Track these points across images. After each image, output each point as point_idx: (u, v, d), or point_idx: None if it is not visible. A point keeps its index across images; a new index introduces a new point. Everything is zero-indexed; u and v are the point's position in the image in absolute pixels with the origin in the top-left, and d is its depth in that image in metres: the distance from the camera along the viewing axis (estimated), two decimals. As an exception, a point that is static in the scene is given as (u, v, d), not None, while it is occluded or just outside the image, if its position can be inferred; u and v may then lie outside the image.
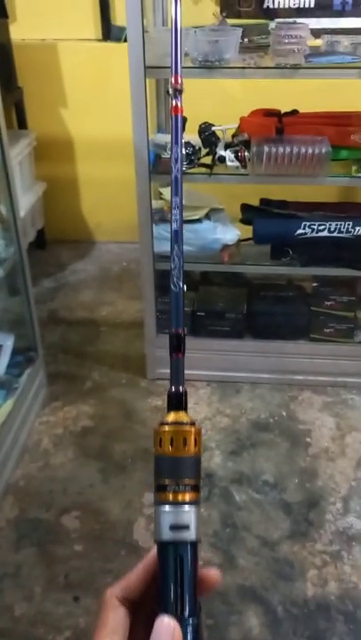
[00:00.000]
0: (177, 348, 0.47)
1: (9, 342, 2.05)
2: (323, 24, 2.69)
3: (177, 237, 0.48)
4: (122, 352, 2.52)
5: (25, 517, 1.79)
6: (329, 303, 2.17)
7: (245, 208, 2.20)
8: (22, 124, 2.99)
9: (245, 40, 1.95)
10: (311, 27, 2.38)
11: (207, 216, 2.14)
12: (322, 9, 2.75)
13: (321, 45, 1.91)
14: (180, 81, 0.50)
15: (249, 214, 2.17)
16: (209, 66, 1.78)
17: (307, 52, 1.79)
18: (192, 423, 0.46)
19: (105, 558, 1.67)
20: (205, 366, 2.29)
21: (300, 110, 2.07)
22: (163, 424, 0.45)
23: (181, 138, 0.48)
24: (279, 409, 2.19)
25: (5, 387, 1.94)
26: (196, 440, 0.45)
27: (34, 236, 3.11)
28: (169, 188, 2.17)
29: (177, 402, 0.47)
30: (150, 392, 2.27)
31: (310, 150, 1.86)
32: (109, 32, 2.89)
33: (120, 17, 2.87)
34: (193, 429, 0.45)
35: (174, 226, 0.48)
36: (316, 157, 1.86)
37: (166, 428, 0.45)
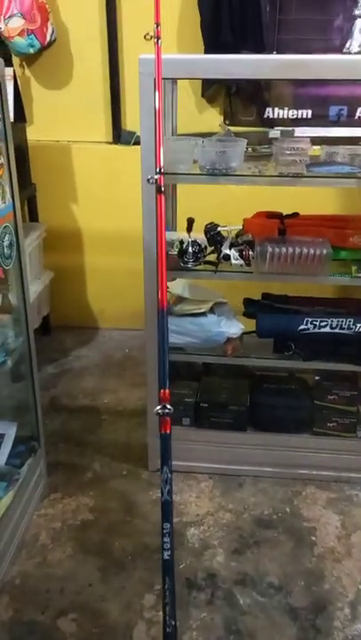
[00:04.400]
0: None
1: (11, 431, 2.04)
2: (318, 132, 2.90)
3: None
4: (123, 441, 2.50)
5: (20, 619, 1.71)
6: (332, 397, 2.19)
7: (248, 302, 2.27)
8: (33, 216, 3.13)
9: (249, 149, 2.10)
10: (306, 134, 2.57)
11: (212, 310, 2.20)
12: (318, 118, 2.97)
13: (320, 155, 2.04)
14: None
15: (252, 309, 2.23)
16: (216, 173, 1.90)
17: (307, 162, 1.92)
18: None
19: (103, 667, 1.58)
20: (207, 458, 2.27)
21: (301, 213, 2.19)
22: None
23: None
24: (283, 505, 2.14)
25: (6, 478, 1.91)
26: None
27: (39, 322, 3.17)
28: (174, 282, 2.25)
29: None
30: (152, 484, 2.23)
31: (312, 251, 1.95)
32: (120, 136, 3.09)
33: (130, 123, 3.09)
34: None
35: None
36: (318, 258, 1.95)
37: None
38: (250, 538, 2.01)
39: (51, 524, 2.06)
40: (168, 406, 1.16)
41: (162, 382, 1.19)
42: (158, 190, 1.40)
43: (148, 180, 1.43)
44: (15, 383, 2.11)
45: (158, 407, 1.17)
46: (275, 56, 2.31)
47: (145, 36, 1.54)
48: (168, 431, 1.16)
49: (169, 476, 1.03)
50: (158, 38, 1.51)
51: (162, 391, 1.19)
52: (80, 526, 2.05)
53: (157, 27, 1.50)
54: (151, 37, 1.52)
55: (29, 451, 2.08)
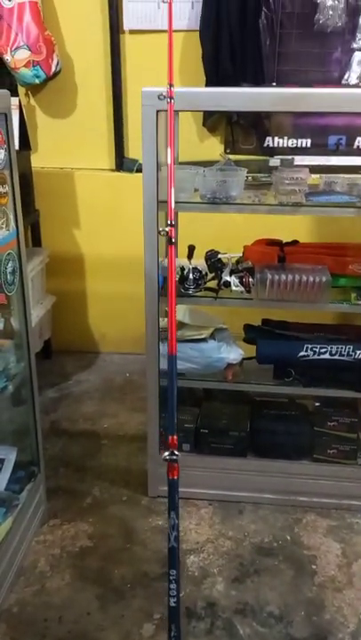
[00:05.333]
0: None
1: (11, 456, 2.03)
2: (317, 161, 2.95)
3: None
4: (123, 466, 2.49)
5: (17, 649, 1.70)
6: (332, 424, 2.19)
7: (249, 328, 2.28)
8: (37, 242, 3.17)
9: (249, 177, 2.13)
10: (305, 162, 2.62)
11: (212, 335, 2.21)
12: (317, 147, 3.02)
13: (319, 184, 2.08)
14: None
15: (252, 334, 2.25)
16: (217, 202, 1.94)
17: (306, 191, 1.95)
18: None
19: None
20: (207, 485, 2.26)
21: (300, 240, 2.21)
22: None
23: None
24: (283, 532, 2.13)
25: (6, 504, 1.90)
26: None
27: (41, 346, 3.18)
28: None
29: None
30: (151, 511, 2.22)
31: (311, 278, 1.97)
32: (122, 163, 3.15)
33: (132, 151, 3.15)
34: None
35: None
36: (317, 285, 1.97)
37: None
38: (250, 566, 1.99)
39: (50, 550, 2.04)
40: (176, 452, 1.15)
41: (169, 429, 1.18)
42: (169, 242, 1.39)
43: (160, 233, 1.44)
44: (16, 407, 2.12)
45: (167, 453, 1.17)
46: (275, 89, 2.37)
47: (158, 97, 1.60)
48: (176, 477, 1.14)
49: (176, 522, 1.02)
50: (172, 98, 1.55)
51: (170, 437, 1.19)
52: (79, 553, 2.04)
53: (170, 87, 1.55)
54: (164, 97, 1.57)
55: (29, 476, 2.08)
